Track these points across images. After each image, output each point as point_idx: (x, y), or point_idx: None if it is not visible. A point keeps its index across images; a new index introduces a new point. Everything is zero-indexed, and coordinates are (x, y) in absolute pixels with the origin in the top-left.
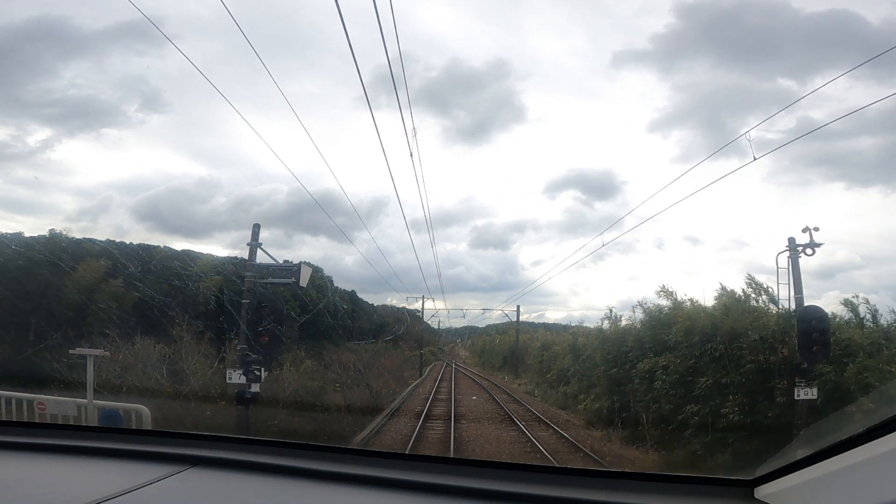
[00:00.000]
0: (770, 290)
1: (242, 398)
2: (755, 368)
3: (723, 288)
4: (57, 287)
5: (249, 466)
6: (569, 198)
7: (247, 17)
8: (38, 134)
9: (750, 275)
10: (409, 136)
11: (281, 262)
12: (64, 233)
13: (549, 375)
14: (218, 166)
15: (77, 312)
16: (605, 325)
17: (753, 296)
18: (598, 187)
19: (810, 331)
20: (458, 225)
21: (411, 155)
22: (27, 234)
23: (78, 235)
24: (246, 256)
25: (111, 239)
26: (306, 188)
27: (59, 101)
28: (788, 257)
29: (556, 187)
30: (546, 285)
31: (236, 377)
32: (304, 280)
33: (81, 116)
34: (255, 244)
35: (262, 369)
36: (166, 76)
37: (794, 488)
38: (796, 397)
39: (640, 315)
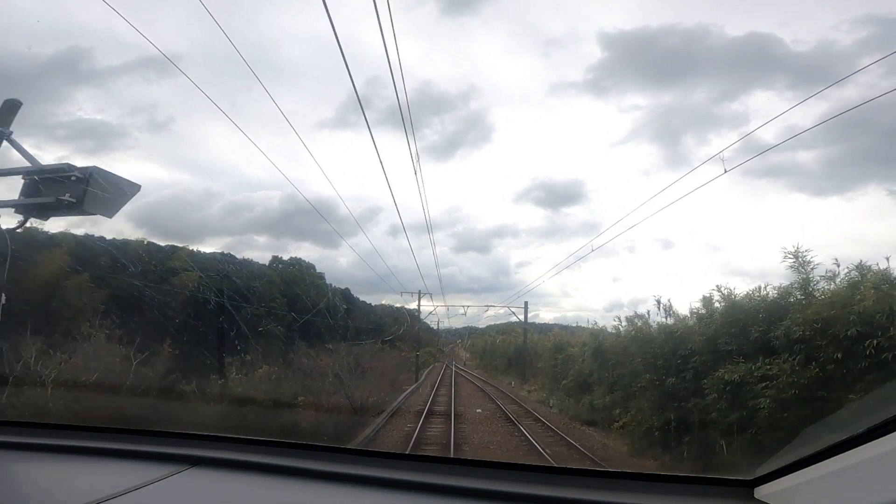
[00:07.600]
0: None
1: None
2: None
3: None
4: None
5: (249, 466)
6: (540, 205)
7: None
8: (55, 153)
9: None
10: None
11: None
12: None
13: (565, 382)
14: (206, 176)
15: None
16: (651, 321)
17: None
18: (566, 195)
19: None
20: (441, 231)
21: (412, 156)
22: None
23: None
24: (234, 254)
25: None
26: (302, 193)
27: (72, 124)
28: None
29: (524, 196)
30: (538, 286)
31: None
32: (103, 207)
33: (92, 137)
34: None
35: None
36: (163, 101)
37: (794, 488)
38: None
39: (696, 305)
